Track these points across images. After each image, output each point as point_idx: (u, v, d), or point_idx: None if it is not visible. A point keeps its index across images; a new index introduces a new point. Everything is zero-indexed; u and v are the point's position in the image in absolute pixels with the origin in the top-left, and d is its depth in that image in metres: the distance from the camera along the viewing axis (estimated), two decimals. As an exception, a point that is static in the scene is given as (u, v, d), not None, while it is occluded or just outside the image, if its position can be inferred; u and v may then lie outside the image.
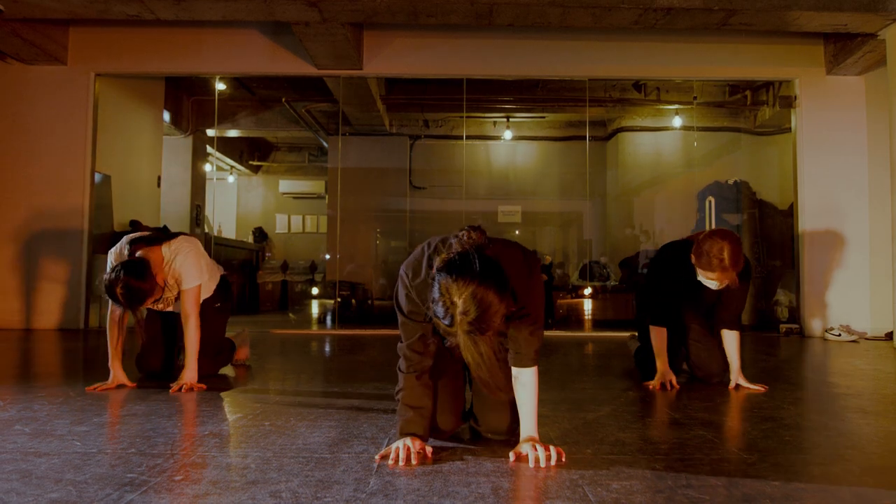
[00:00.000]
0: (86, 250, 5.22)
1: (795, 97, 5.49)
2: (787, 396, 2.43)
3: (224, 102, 7.30)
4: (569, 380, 2.83)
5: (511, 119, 7.43)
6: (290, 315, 7.61)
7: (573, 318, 6.80)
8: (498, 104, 6.95)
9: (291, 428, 1.81)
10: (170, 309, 2.62)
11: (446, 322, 1.31)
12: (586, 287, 6.79)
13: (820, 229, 5.36)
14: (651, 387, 2.54)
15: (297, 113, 7.11)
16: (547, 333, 5.19)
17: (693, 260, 2.46)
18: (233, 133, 8.21)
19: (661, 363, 2.59)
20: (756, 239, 6.79)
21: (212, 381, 2.61)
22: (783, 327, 5.42)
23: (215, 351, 2.80)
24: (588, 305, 6.74)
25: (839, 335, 4.92)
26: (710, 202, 5.96)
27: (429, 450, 1.50)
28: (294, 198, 10.39)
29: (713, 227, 6.02)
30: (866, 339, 5.02)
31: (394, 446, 1.48)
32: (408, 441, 1.48)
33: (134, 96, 6.19)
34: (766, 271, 6.77)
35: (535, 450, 1.44)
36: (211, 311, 2.72)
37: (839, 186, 5.35)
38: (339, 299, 6.61)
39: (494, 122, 7.66)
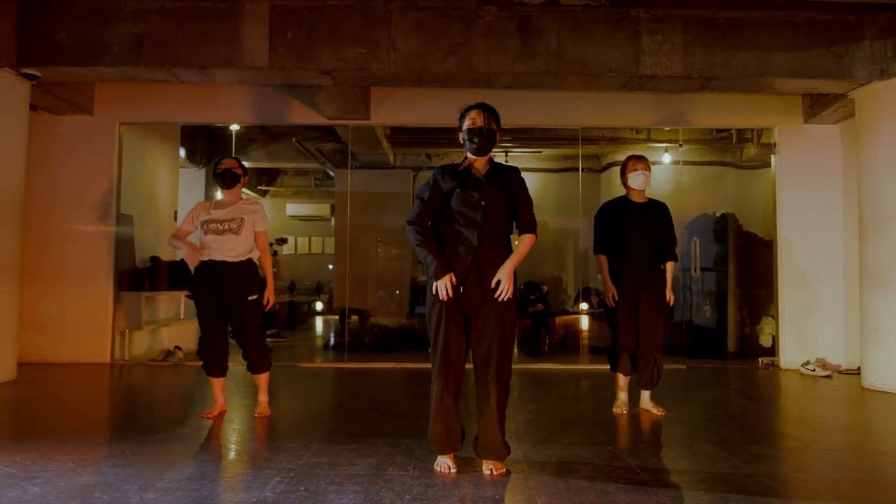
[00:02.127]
0: (112, 287, 5.59)
1: (775, 144, 5.87)
2: (743, 451, 2.80)
3: (236, 137, 7.67)
4: (556, 432, 3.19)
5: (509, 153, 7.80)
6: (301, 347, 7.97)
7: (569, 344, 7.15)
8: (498, 143, 7.35)
9: (322, 493, 2.18)
10: (228, 237, 3.27)
11: (467, 124, 2.48)
12: (582, 314, 7.14)
13: (797, 267, 5.73)
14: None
15: (307, 150, 7.49)
16: (540, 366, 5.57)
17: (625, 184, 3.56)
18: (244, 164, 8.58)
19: (607, 285, 3.54)
20: (742, 269, 7.16)
21: (244, 431, 2.99)
22: (763, 361, 5.78)
23: (262, 340, 3.48)
24: (582, 331, 7.09)
25: (814, 370, 5.29)
26: (694, 244, 6.33)
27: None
28: (300, 220, 10.77)
29: (698, 266, 6.42)
30: (840, 373, 5.38)
31: (438, 284, 2.37)
32: (446, 280, 2.37)
33: (153, 137, 6.57)
34: (751, 300, 7.14)
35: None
36: (247, 302, 3.32)
37: (815, 225, 5.71)
38: (347, 326, 6.96)
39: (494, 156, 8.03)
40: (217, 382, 3.40)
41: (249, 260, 3.35)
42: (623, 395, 3.59)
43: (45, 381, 4.58)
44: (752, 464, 2.60)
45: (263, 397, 3.47)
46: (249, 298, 3.29)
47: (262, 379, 3.45)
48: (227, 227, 3.29)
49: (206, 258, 3.27)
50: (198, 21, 4.40)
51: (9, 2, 4.37)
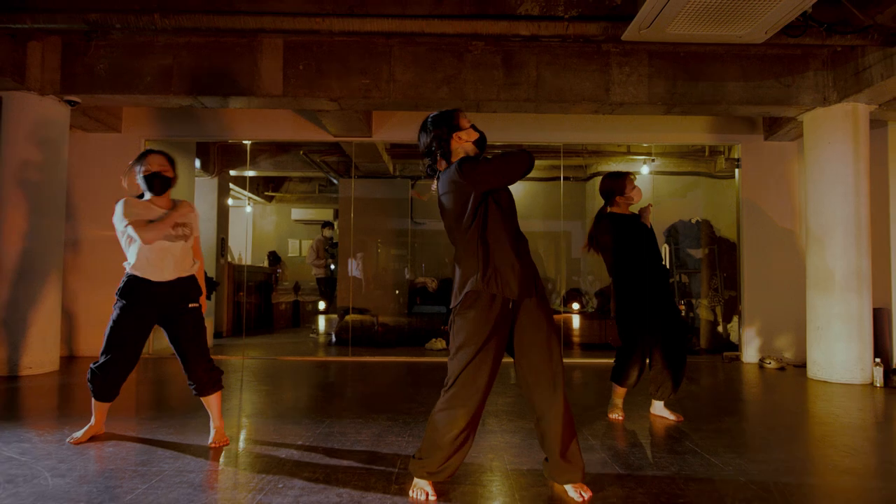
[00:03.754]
0: (137, 288, 6.18)
1: (738, 159, 6.47)
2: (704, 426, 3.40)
3: (245, 147, 8.26)
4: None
5: (500, 164, 8.41)
6: (313, 335, 8.57)
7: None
8: (487, 153, 7.97)
9: (336, 452, 2.78)
10: (178, 244, 2.86)
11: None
12: (571, 314, 7.77)
13: (758, 271, 6.34)
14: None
15: (314, 161, 8.09)
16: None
17: (621, 198, 3.54)
18: (252, 173, 9.19)
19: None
20: (715, 271, 7.78)
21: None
22: (727, 355, 6.39)
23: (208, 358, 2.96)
24: (570, 328, 7.71)
25: (770, 364, 5.89)
26: (664, 248, 6.94)
27: None
28: (305, 224, 11.37)
29: (670, 266, 7.03)
30: (794, 366, 5.99)
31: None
32: None
33: (172, 150, 7.14)
34: (723, 300, 7.75)
35: None
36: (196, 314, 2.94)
37: (775, 233, 6.32)
38: (350, 323, 7.56)
39: (486, 166, 8.65)
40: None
41: (192, 274, 2.99)
42: (620, 402, 3.59)
43: (83, 372, 5.18)
44: (703, 433, 3.21)
45: (218, 423, 2.96)
46: (191, 306, 2.93)
47: (212, 401, 2.96)
48: (180, 232, 2.90)
49: (140, 274, 2.83)
50: (220, 54, 5.00)
51: (54, 37, 4.96)
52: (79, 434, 2.94)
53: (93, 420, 2.97)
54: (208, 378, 2.92)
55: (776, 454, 2.89)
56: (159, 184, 2.92)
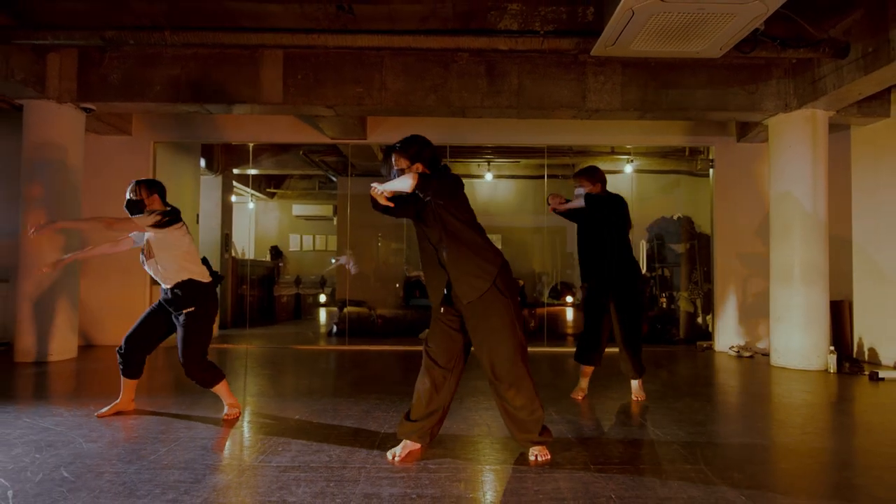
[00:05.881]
0: (149, 281, 6.62)
1: (712, 159, 6.86)
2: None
3: (248, 147, 8.67)
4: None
5: (491, 163, 8.81)
6: (317, 330, 9.00)
7: (540, 331, 8.19)
8: (480, 153, 8.39)
9: (329, 423, 3.20)
10: (152, 260, 3.23)
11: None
12: (564, 306, 8.22)
13: (730, 264, 6.74)
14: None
15: (313, 161, 8.50)
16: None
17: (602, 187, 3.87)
18: (254, 171, 9.60)
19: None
20: (695, 265, 8.17)
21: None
22: (700, 344, 6.81)
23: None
24: (563, 320, 8.16)
25: (738, 352, 6.30)
26: (642, 245, 7.36)
27: None
28: (306, 219, 11.80)
29: (651, 260, 7.43)
30: (763, 355, 6.39)
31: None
32: None
33: (179, 151, 7.57)
34: (703, 293, 8.15)
35: None
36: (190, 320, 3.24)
37: (746, 229, 6.72)
38: (348, 314, 7.99)
39: (478, 164, 9.04)
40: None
41: (187, 280, 3.26)
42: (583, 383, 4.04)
43: (100, 359, 5.62)
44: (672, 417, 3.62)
45: (230, 400, 3.41)
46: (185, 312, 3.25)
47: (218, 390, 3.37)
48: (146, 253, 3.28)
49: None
50: (225, 65, 5.40)
51: (72, 50, 5.37)
52: (105, 410, 3.38)
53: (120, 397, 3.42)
54: (201, 378, 3.28)
55: (714, 427, 3.31)
56: (134, 209, 3.31)
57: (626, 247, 3.89)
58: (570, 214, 3.96)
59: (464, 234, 2.57)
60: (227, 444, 2.92)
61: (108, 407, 3.40)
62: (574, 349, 4.08)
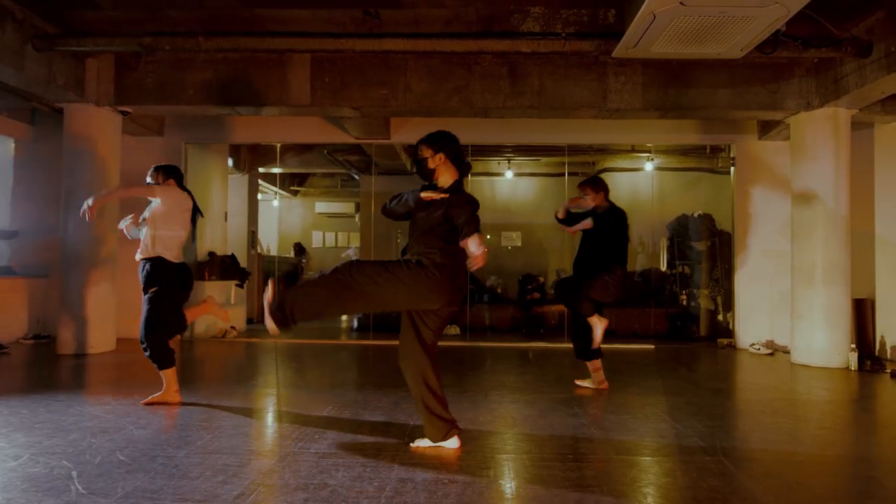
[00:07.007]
0: (179, 278, 6.85)
1: (734, 157, 6.89)
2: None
3: (275, 147, 8.89)
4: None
5: (511, 161, 8.91)
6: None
7: (561, 327, 8.27)
8: (500, 152, 8.48)
9: (360, 415, 3.35)
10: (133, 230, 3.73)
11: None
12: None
13: (751, 262, 6.76)
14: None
15: (337, 159, 8.69)
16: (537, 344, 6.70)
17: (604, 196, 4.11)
18: (279, 170, 9.82)
19: None
20: (716, 263, 8.19)
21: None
22: (721, 342, 6.85)
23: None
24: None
25: (759, 349, 6.34)
26: (662, 242, 7.41)
27: None
28: (328, 217, 12.01)
29: (672, 257, 7.49)
30: (783, 352, 6.42)
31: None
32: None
33: (209, 151, 7.79)
34: (723, 290, 8.17)
35: None
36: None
37: (767, 227, 6.74)
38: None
39: (499, 162, 9.15)
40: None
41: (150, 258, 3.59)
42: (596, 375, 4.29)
43: (138, 351, 5.83)
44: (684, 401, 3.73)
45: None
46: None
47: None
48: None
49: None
50: (255, 68, 5.58)
51: (109, 55, 5.59)
52: (150, 398, 3.58)
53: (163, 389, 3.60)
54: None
55: (732, 421, 3.40)
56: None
57: (617, 257, 4.08)
58: (568, 221, 4.27)
59: (450, 235, 2.80)
60: (267, 432, 3.09)
61: (153, 395, 3.59)
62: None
